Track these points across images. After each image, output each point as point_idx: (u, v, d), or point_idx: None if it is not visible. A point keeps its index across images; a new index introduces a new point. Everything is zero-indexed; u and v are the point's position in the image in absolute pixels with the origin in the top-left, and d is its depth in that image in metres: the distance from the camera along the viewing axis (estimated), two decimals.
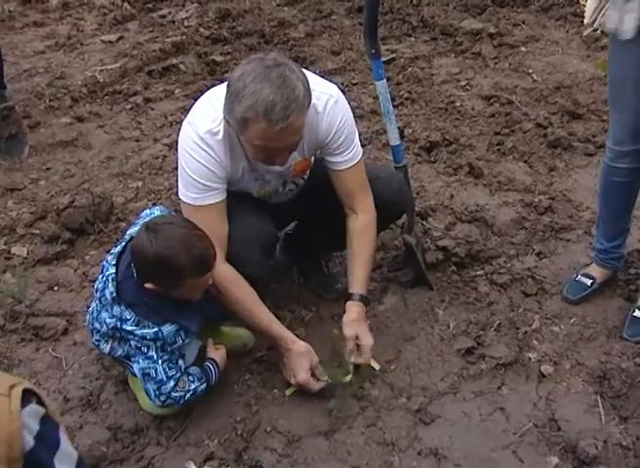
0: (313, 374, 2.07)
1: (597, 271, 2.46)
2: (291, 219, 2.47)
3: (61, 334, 2.41)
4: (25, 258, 2.78)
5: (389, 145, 2.40)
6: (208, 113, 1.92)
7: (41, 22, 5.59)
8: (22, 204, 3.16)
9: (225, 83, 1.83)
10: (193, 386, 1.98)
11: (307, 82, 1.79)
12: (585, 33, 4.30)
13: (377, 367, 2.15)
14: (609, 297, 2.46)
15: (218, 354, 2.11)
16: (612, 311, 2.40)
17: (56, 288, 2.65)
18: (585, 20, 2.06)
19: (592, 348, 2.26)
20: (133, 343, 1.91)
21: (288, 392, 2.12)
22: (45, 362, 2.31)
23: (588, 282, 2.44)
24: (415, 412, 2.06)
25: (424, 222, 2.83)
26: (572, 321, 2.36)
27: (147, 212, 2.12)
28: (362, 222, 2.16)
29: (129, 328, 1.88)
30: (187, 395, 1.97)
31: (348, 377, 2.09)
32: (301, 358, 2.05)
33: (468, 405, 2.08)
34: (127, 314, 1.88)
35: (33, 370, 2.28)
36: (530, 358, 2.22)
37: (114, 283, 1.90)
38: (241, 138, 1.87)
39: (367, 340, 2.10)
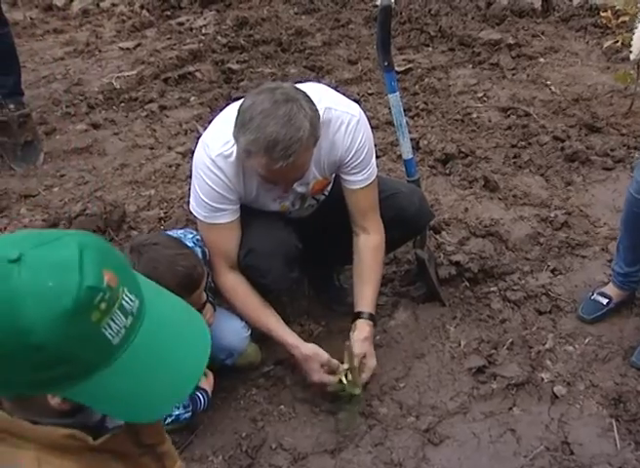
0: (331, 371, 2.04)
1: (614, 291, 2.40)
2: (309, 233, 2.46)
3: None
4: None
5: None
6: (222, 134, 1.90)
7: (61, 29, 5.65)
8: (35, 211, 3.16)
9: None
10: (177, 412, 1.93)
11: (317, 118, 1.77)
12: (606, 45, 4.23)
13: (357, 391, 2.05)
14: (625, 317, 2.40)
15: (207, 383, 2.06)
16: (628, 331, 2.34)
17: None
18: (632, 56, 2.02)
19: (607, 369, 2.20)
20: None
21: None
22: None
23: (604, 301, 2.39)
24: (423, 432, 2.02)
25: (438, 236, 2.79)
26: (586, 340, 2.31)
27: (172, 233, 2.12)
28: (374, 242, 2.14)
29: None
30: (168, 420, 1.91)
31: (358, 390, 2.05)
32: (309, 362, 2.03)
33: (478, 425, 2.04)
34: None
35: None
36: (542, 378, 2.17)
37: None
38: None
39: (372, 362, 2.09)
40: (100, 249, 0.90)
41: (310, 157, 1.83)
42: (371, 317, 2.11)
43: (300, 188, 2.05)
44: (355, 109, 2.01)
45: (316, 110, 1.79)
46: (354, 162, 2.02)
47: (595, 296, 2.41)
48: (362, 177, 2.06)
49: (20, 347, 0.82)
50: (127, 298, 0.89)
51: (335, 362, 2.03)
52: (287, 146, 1.68)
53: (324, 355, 2.04)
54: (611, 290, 2.41)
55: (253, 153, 1.73)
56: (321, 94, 1.93)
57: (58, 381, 0.86)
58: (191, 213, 2.06)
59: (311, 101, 1.79)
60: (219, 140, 1.90)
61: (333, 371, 2.02)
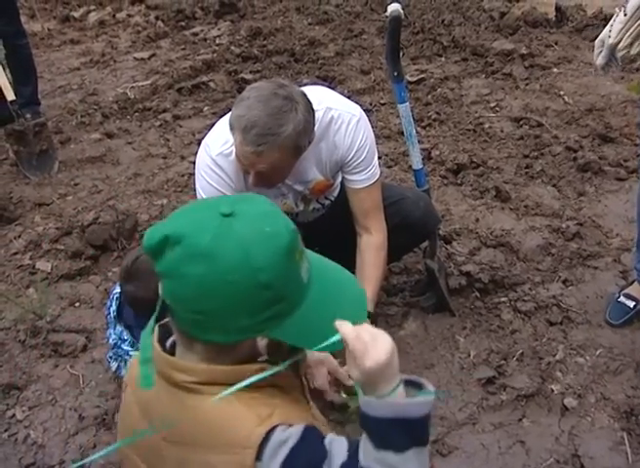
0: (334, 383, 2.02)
1: (639, 291, 2.40)
2: (316, 239, 2.45)
3: (80, 351, 2.42)
4: (49, 274, 2.81)
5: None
6: (222, 134, 1.94)
7: (78, 40, 5.74)
8: (49, 219, 3.20)
9: None
10: None
11: (306, 130, 1.78)
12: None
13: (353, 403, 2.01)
14: (637, 329, 2.38)
15: None
16: None
17: (77, 304, 2.67)
18: (610, 40, 1.99)
19: (619, 382, 2.18)
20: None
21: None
22: (63, 379, 2.32)
23: (631, 304, 2.39)
24: (432, 443, 2.00)
25: (448, 246, 2.78)
26: (598, 352, 2.29)
27: None
28: (376, 242, 2.13)
29: (125, 348, 1.89)
30: None
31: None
32: (319, 367, 1.98)
33: (487, 437, 2.02)
34: (125, 334, 1.90)
35: (51, 386, 2.29)
36: (553, 390, 2.15)
37: (117, 302, 1.92)
38: None
39: None
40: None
41: (285, 166, 1.83)
42: (368, 315, 2.10)
43: (297, 186, 2.07)
44: (356, 109, 2.03)
45: (310, 122, 1.79)
46: (355, 161, 2.04)
47: (622, 299, 2.40)
48: (364, 177, 2.07)
49: (254, 287, 0.95)
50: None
51: (342, 373, 2.02)
52: (261, 134, 1.69)
53: (334, 361, 2.03)
54: (636, 290, 2.40)
55: (234, 129, 1.76)
56: (323, 95, 1.96)
57: (273, 320, 0.99)
58: None
59: (312, 113, 1.80)
60: (219, 140, 1.95)
61: (338, 384, 2.01)
